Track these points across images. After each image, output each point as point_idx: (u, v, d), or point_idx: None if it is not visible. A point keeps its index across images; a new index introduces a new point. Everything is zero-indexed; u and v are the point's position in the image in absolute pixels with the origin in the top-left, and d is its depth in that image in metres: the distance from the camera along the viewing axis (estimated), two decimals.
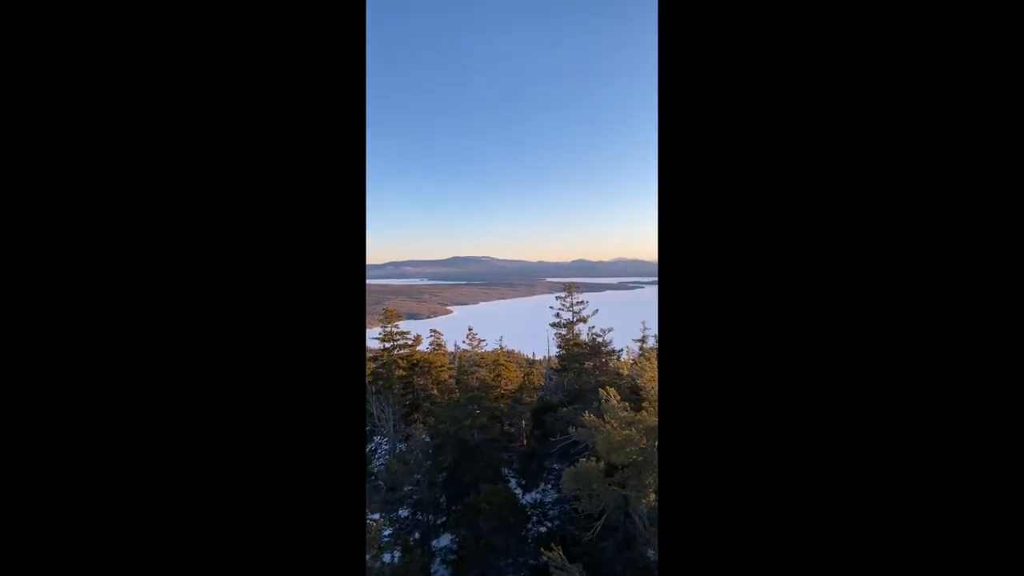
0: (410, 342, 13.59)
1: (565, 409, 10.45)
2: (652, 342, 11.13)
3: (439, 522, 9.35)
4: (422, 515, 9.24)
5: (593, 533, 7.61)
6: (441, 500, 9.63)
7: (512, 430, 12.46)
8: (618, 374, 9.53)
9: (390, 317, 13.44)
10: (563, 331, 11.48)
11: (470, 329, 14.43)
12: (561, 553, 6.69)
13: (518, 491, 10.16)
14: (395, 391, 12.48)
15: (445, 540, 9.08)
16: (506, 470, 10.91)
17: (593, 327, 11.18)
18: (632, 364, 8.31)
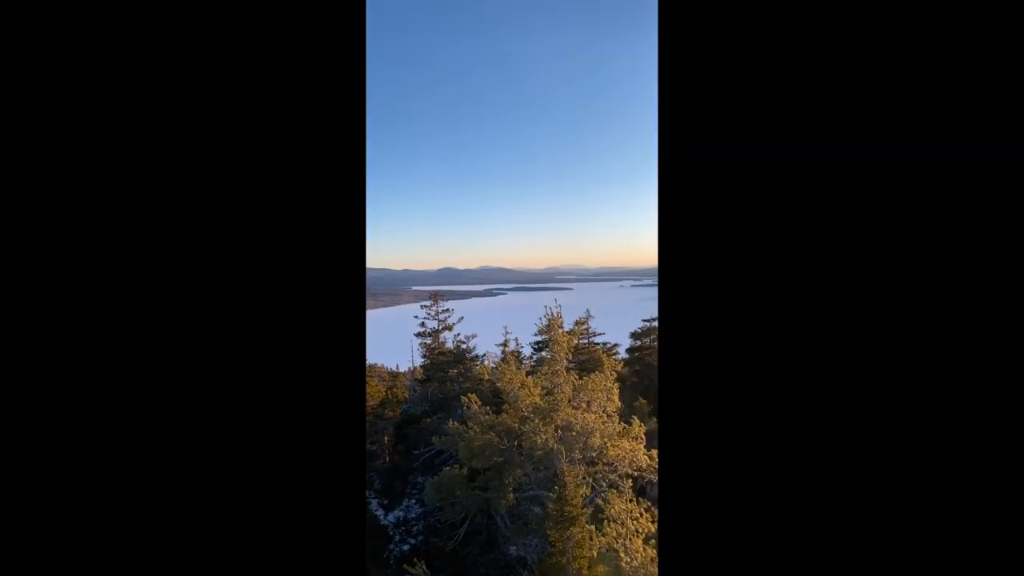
0: None
1: (429, 420, 10.27)
2: (513, 345, 11.75)
3: None
4: None
5: (456, 541, 7.61)
6: None
7: (373, 448, 11.78)
8: (480, 379, 9.81)
9: None
10: (428, 340, 11.34)
11: None
12: (424, 567, 6.55)
13: (379, 512, 9.58)
14: None
15: None
16: (366, 491, 10.27)
17: (459, 334, 11.31)
18: (494, 369, 8.65)
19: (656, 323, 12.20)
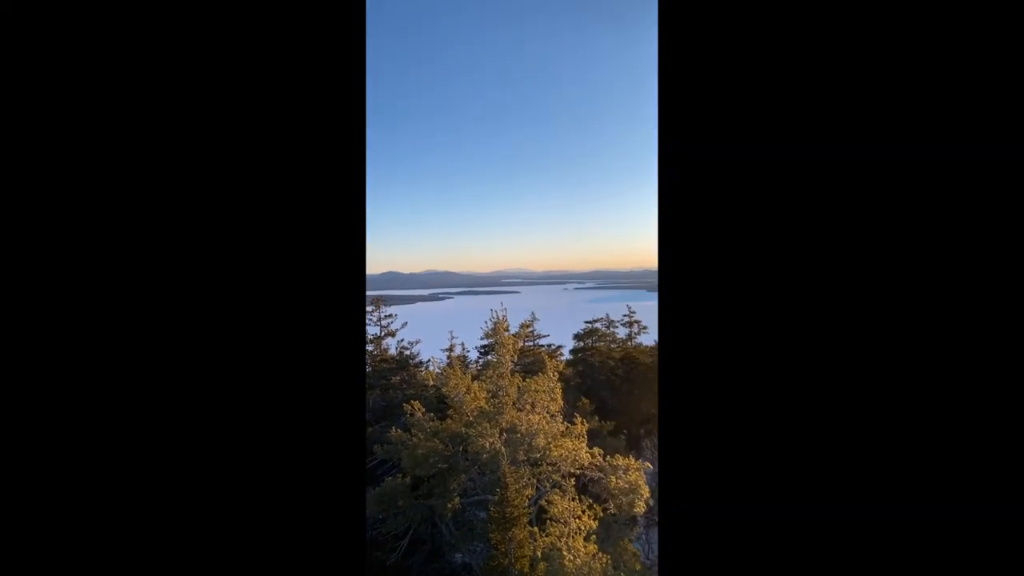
0: None
1: (371, 428, 9.92)
2: (459, 350, 11.64)
3: None
4: None
5: (399, 553, 7.37)
6: None
7: None
8: (425, 386, 9.62)
9: None
10: (370, 347, 10.96)
11: None
12: None
13: None
14: None
15: None
16: None
17: (402, 340, 11.02)
18: (439, 374, 8.51)
19: (597, 324, 12.61)
